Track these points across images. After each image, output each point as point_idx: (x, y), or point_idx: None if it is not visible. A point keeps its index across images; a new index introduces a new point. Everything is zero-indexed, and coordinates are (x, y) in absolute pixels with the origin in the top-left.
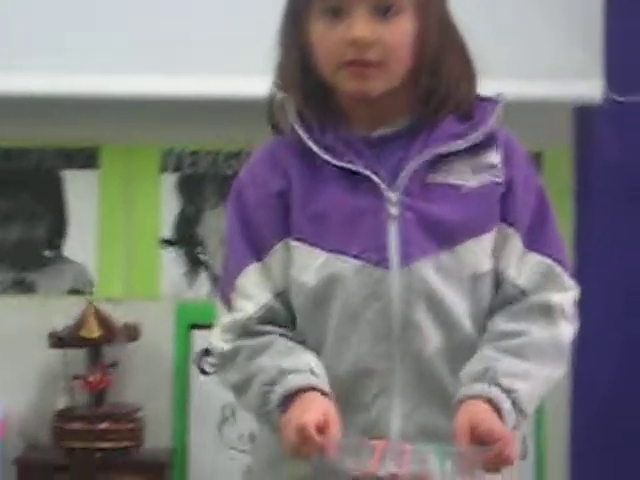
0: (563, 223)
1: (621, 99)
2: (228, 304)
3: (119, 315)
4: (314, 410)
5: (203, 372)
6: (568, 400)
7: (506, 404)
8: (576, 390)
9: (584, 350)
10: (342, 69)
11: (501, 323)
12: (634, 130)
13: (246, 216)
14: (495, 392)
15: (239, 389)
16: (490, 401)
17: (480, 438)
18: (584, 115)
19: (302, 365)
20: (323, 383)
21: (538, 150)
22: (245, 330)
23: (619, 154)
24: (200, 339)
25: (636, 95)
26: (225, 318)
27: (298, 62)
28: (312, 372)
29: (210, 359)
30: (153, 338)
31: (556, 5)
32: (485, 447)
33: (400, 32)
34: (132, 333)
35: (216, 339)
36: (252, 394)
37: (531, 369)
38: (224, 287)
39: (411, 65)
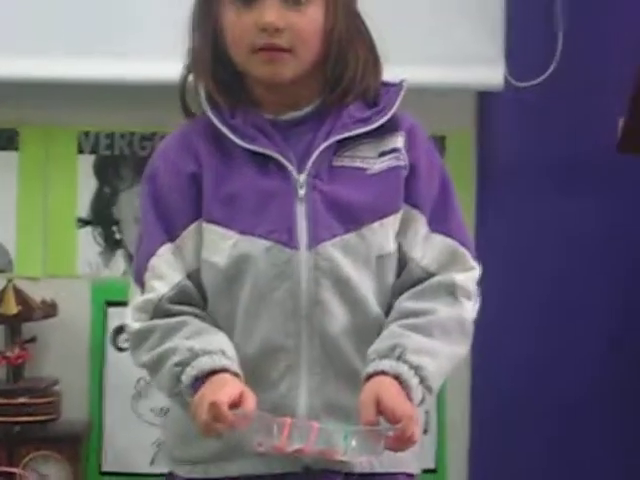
0: (466, 205)
1: (520, 84)
2: (141, 284)
3: (37, 293)
4: (228, 388)
5: (118, 348)
6: (469, 377)
7: (414, 381)
8: (476, 369)
9: (484, 330)
10: (253, 55)
11: (407, 302)
12: (531, 114)
13: (159, 199)
14: (403, 369)
15: (151, 369)
16: (398, 377)
17: (384, 413)
18: (486, 100)
19: (214, 347)
20: (234, 365)
21: (442, 134)
22: (158, 309)
23: (518, 137)
24: (115, 316)
25: (533, 81)
26: (138, 298)
27: (209, 47)
28: (223, 354)
29: (124, 337)
30: (70, 315)
31: None
32: (389, 426)
33: (310, 20)
34: (50, 310)
35: (129, 319)
36: (164, 374)
37: (437, 347)
38: (138, 268)
39: (320, 52)
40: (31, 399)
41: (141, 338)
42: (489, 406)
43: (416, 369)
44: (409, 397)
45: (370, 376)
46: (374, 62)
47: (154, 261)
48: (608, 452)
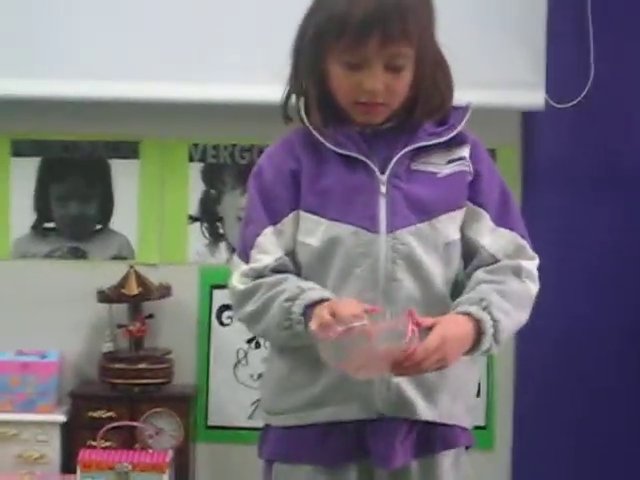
0: None
1: (558, 105)
2: (247, 258)
3: (154, 277)
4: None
5: (222, 324)
6: (513, 346)
7: (490, 330)
8: (520, 341)
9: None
10: (355, 105)
11: (484, 275)
12: (569, 131)
13: (265, 190)
14: (485, 317)
15: (258, 313)
16: (479, 322)
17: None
18: (529, 118)
19: (317, 286)
20: (335, 296)
21: (492, 147)
22: (262, 275)
23: (557, 151)
24: (219, 297)
25: (569, 102)
26: (243, 267)
27: (317, 85)
28: (324, 290)
29: (232, 308)
30: (182, 295)
31: (507, 26)
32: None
33: (404, 81)
34: (165, 291)
35: (235, 282)
36: (274, 312)
37: (511, 309)
38: (244, 245)
39: (407, 97)
40: (149, 365)
41: (248, 294)
42: (531, 371)
43: (494, 321)
44: (480, 340)
45: (455, 312)
46: (450, 93)
47: (260, 239)
48: None
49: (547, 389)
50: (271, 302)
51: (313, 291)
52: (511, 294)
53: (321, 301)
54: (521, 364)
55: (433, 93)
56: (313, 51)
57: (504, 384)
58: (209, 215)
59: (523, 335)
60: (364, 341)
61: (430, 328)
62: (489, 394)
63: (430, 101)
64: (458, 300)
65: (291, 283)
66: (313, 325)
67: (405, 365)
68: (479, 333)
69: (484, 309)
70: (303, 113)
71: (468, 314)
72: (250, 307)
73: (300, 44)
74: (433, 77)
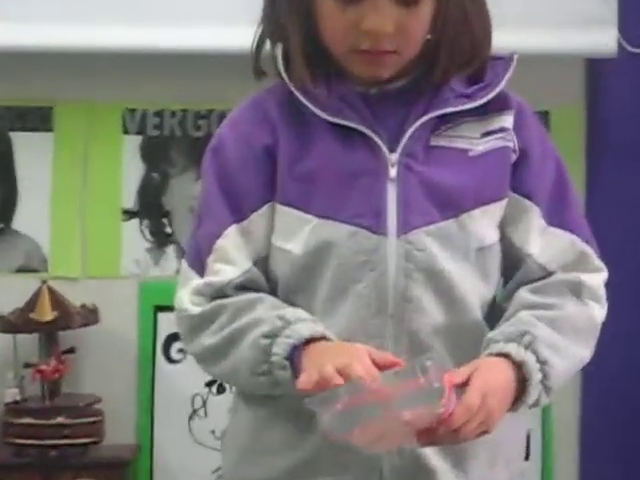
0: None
1: (636, 50)
2: (200, 268)
3: (76, 296)
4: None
5: (170, 360)
6: (577, 394)
7: (537, 375)
8: (586, 382)
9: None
10: (354, 54)
11: (529, 295)
12: None
13: (227, 173)
14: (529, 358)
15: (220, 351)
16: (521, 366)
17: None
18: (596, 68)
19: (304, 315)
20: (329, 332)
21: (545, 109)
22: (222, 295)
23: (633, 110)
24: (167, 323)
25: None
26: (196, 281)
27: (300, 31)
28: (315, 323)
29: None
30: (114, 321)
31: None
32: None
33: (421, 20)
34: (90, 316)
35: (185, 302)
36: (243, 351)
37: (566, 345)
38: (196, 250)
39: (425, 42)
40: (70, 419)
41: (203, 320)
42: (602, 423)
43: (543, 363)
44: (525, 392)
45: (489, 354)
46: (487, 36)
47: (221, 243)
48: None
49: (624, 447)
50: (240, 336)
51: (302, 324)
52: (567, 322)
53: (313, 340)
54: (587, 413)
55: (462, 37)
56: None
57: (565, 441)
58: (151, 208)
59: (590, 374)
60: (382, 409)
61: (464, 382)
62: (544, 456)
63: (458, 48)
64: (491, 334)
65: (268, 309)
66: (303, 383)
67: (439, 433)
68: (523, 380)
69: (527, 347)
70: (281, 64)
71: (506, 355)
72: (208, 339)
73: None
74: (462, 13)
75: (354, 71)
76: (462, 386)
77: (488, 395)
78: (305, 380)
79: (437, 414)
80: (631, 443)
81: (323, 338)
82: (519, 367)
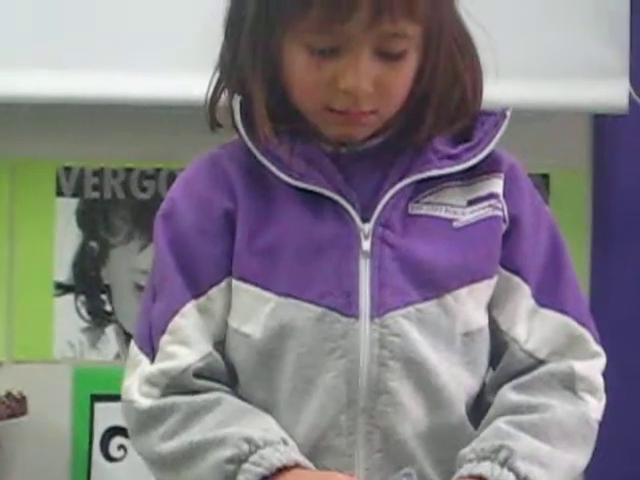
0: (577, 266)
1: None
2: (151, 351)
3: (0, 383)
4: None
5: (110, 458)
6: None
7: None
8: None
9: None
10: (327, 113)
11: (513, 395)
12: None
13: (183, 242)
14: (507, 477)
15: (174, 464)
16: None
17: None
18: (604, 125)
19: (273, 434)
20: (303, 457)
21: (544, 171)
22: (177, 383)
23: None
24: (105, 413)
25: None
26: (148, 367)
27: (264, 80)
28: (286, 443)
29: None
30: (45, 412)
31: None
32: None
33: (405, 76)
34: (17, 406)
35: (134, 392)
36: (202, 473)
37: (553, 454)
38: (147, 330)
39: (409, 95)
40: None
41: (152, 419)
42: None
43: None
44: None
45: (462, 478)
46: (478, 91)
47: (178, 322)
48: None
49: None
50: (200, 454)
51: (272, 449)
52: (555, 426)
53: (285, 468)
54: None
55: (452, 92)
56: (260, 25)
57: None
58: (88, 282)
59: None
60: None
61: None
62: None
63: (447, 104)
64: (464, 451)
65: (231, 422)
66: None
67: None
68: None
69: (503, 464)
70: (239, 120)
71: (479, 478)
72: (159, 444)
73: (237, 12)
74: (452, 65)
75: (326, 131)
76: None
77: None
78: None
79: None
80: None
81: (297, 465)
82: None
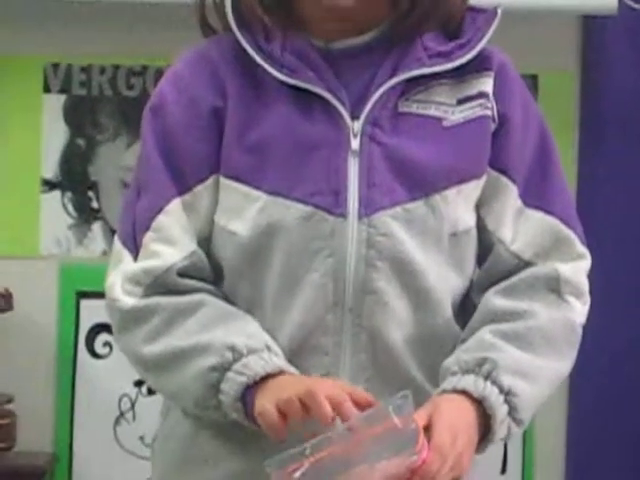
0: (565, 165)
1: (638, 6)
2: (135, 248)
3: None
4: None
5: (95, 354)
6: (564, 407)
7: (501, 409)
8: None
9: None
10: None
11: (497, 299)
12: None
13: (170, 137)
14: (491, 391)
15: (157, 366)
16: (482, 402)
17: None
18: (592, 27)
19: (257, 341)
20: (287, 363)
21: (533, 72)
22: (161, 282)
23: (633, 75)
24: (91, 310)
25: None
26: (131, 265)
27: None
28: (270, 349)
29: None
30: (30, 308)
31: None
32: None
33: None
34: (3, 301)
35: (117, 290)
36: (186, 379)
37: (537, 363)
38: (131, 225)
39: None
40: None
41: (136, 319)
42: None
43: (507, 394)
44: (490, 429)
45: (444, 391)
46: None
47: (162, 220)
48: None
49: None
50: (183, 360)
51: (255, 356)
52: (539, 333)
53: (269, 376)
54: (574, 425)
55: None
56: None
57: (548, 453)
58: (75, 179)
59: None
60: (352, 464)
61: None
62: (525, 469)
63: None
64: (448, 362)
65: (215, 326)
66: (271, 431)
67: None
68: (487, 416)
69: (487, 378)
70: (230, 10)
71: (463, 392)
72: (142, 345)
73: None
74: None
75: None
76: (425, 429)
77: (457, 437)
78: (269, 423)
79: (411, 463)
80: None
81: (281, 372)
82: (480, 403)
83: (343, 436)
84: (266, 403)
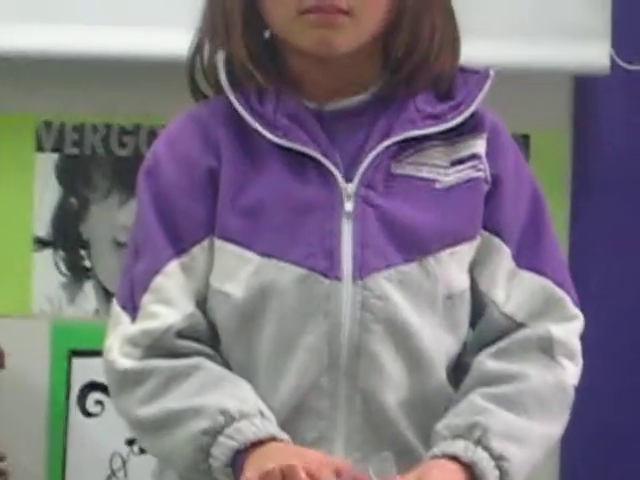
0: (557, 226)
1: (630, 67)
2: (133, 309)
3: None
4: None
5: (86, 413)
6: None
7: (492, 475)
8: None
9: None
10: (300, 16)
11: (489, 362)
12: None
13: (166, 199)
14: (481, 456)
15: (151, 429)
16: (471, 467)
17: None
18: (585, 86)
19: (250, 406)
20: (279, 429)
21: (525, 132)
22: (160, 344)
23: (626, 134)
24: (83, 369)
25: None
26: (130, 326)
27: (239, 7)
28: (262, 415)
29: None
30: (22, 367)
31: None
32: None
33: None
34: None
35: (115, 352)
36: (179, 443)
37: (529, 427)
38: (130, 288)
39: (385, 20)
40: None
41: (130, 381)
42: None
43: (498, 459)
44: None
45: (434, 457)
46: (453, 37)
47: (160, 281)
48: None
49: None
50: (177, 423)
51: (247, 422)
52: (531, 397)
53: (260, 442)
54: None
55: (428, 26)
56: None
57: None
58: (68, 237)
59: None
60: None
61: None
62: None
63: (423, 38)
64: (439, 426)
65: (209, 390)
66: None
67: None
68: None
69: (477, 443)
70: (223, 73)
71: (453, 458)
72: (137, 407)
73: None
74: (429, 16)
75: (301, 42)
76: None
77: None
78: None
79: None
80: None
81: (272, 439)
82: (469, 469)
83: None
84: (251, 473)
